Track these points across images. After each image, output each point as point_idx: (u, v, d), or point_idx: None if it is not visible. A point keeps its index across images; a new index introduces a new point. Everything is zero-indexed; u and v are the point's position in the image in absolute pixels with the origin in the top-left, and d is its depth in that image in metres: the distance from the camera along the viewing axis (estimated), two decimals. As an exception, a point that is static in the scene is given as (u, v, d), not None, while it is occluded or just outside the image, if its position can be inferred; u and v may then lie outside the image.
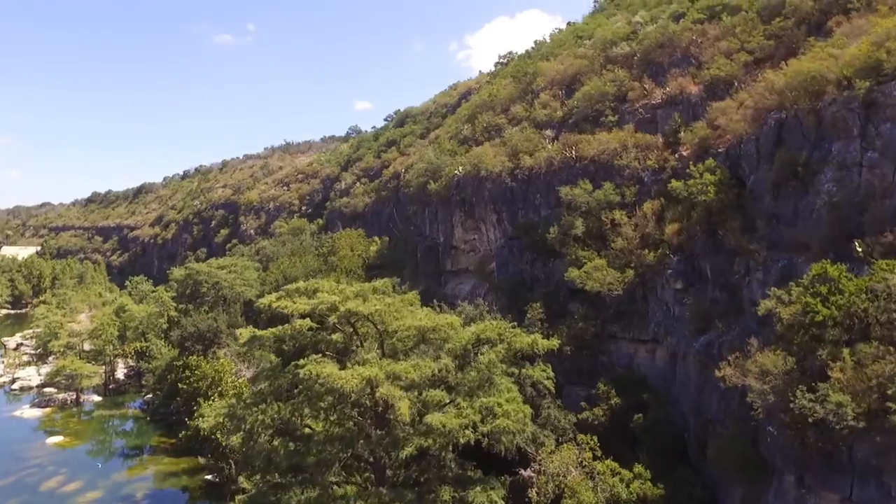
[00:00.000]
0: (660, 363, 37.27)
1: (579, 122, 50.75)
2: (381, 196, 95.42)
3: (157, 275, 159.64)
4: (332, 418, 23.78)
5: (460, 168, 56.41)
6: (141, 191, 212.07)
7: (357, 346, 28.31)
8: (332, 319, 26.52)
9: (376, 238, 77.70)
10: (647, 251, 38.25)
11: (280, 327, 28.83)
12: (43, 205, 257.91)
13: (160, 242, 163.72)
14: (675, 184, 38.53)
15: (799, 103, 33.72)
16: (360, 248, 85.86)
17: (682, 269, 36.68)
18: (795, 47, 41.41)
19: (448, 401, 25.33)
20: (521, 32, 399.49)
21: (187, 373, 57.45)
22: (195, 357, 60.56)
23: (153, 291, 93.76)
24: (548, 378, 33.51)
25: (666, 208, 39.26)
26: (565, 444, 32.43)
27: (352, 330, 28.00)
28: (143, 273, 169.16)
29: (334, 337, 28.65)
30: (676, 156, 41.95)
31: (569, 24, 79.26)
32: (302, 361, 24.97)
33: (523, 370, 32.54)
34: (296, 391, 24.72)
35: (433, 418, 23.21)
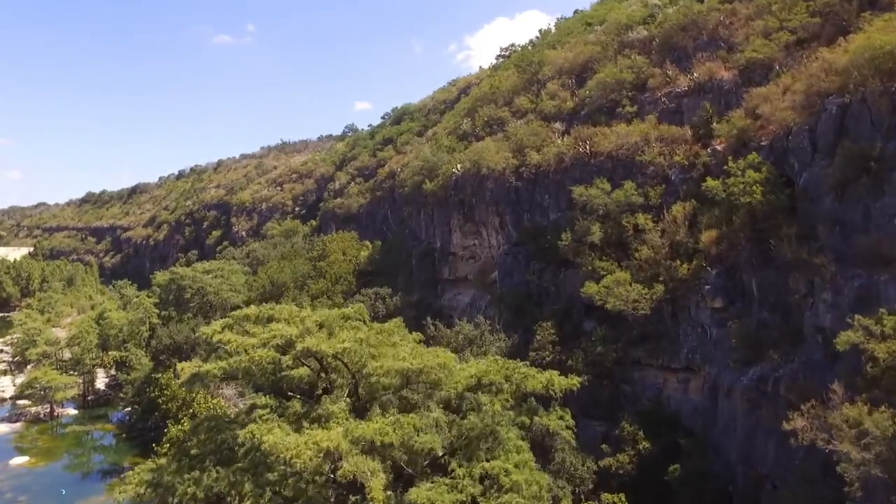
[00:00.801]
0: (695, 397, 30.88)
1: (593, 114, 44.43)
2: (375, 196, 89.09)
3: (149, 276, 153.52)
4: (284, 493, 17.48)
5: (459, 166, 50.14)
6: (135, 191, 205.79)
7: (326, 386, 22.09)
8: (287, 361, 20.30)
9: (367, 243, 71.34)
10: (678, 262, 31.91)
11: (232, 360, 22.55)
12: (38, 205, 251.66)
13: (152, 244, 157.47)
14: (710, 183, 32.22)
15: (867, 85, 27.41)
16: (352, 251, 79.64)
17: (722, 284, 30.37)
18: (846, 24, 35.12)
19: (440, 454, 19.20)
20: (520, 33, 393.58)
21: (156, 391, 51.43)
22: (166, 375, 54.28)
23: (136, 297, 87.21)
24: (566, 427, 27.01)
25: (699, 212, 32.93)
26: None
27: (319, 366, 21.77)
28: (136, 274, 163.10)
29: (298, 373, 22.43)
30: (709, 150, 35.60)
31: (576, 11, 72.88)
32: (249, 420, 18.73)
33: (536, 418, 26.10)
34: (240, 454, 18.48)
35: (418, 494, 16.98)
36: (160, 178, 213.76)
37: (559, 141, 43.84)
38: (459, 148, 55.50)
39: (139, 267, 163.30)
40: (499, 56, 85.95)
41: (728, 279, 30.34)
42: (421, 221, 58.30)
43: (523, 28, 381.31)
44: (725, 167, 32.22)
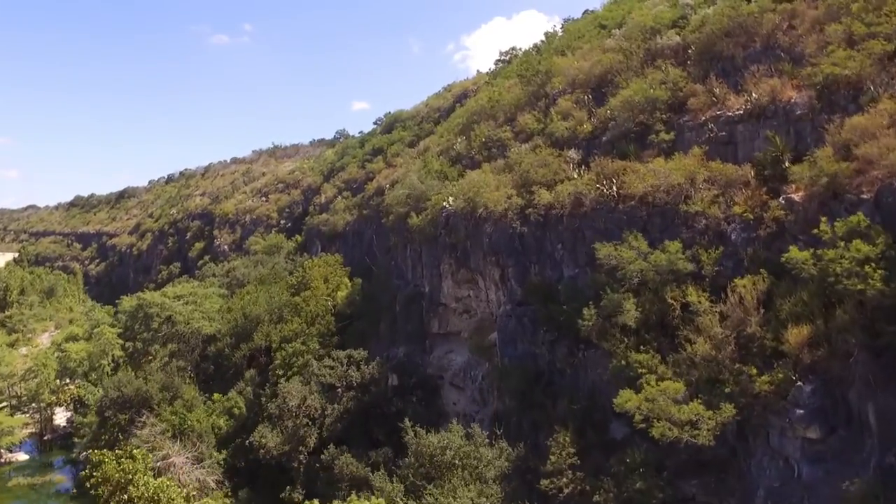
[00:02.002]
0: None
1: (617, 141, 34.68)
2: (362, 215, 79.34)
3: (132, 287, 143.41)
4: None
5: (451, 199, 40.41)
6: (123, 195, 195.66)
7: None
8: None
9: (347, 281, 61.57)
10: (751, 368, 22.31)
11: None
12: (27, 208, 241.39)
13: (135, 253, 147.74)
14: (794, 254, 22.63)
15: None
16: (335, 278, 70.05)
17: (819, 405, 20.81)
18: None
19: None
20: (518, 33, 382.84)
21: (86, 470, 41.96)
22: (99, 452, 44.65)
23: (97, 328, 77.49)
24: None
25: (777, 291, 23.38)
26: None
27: None
28: (119, 285, 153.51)
29: None
30: (781, 200, 26.00)
31: (585, 12, 62.94)
32: None
33: None
34: None
35: None
36: (150, 182, 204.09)
37: (575, 175, 34.11)
38: (452, 173, 45.74)
39: (123, 276, 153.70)
40: (498, 61, 76.04)
41: (828, 398, 20.79)
42: (407, 258, 48.60)
43: (522, 28, 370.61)
44: (815, 231, 22.66)
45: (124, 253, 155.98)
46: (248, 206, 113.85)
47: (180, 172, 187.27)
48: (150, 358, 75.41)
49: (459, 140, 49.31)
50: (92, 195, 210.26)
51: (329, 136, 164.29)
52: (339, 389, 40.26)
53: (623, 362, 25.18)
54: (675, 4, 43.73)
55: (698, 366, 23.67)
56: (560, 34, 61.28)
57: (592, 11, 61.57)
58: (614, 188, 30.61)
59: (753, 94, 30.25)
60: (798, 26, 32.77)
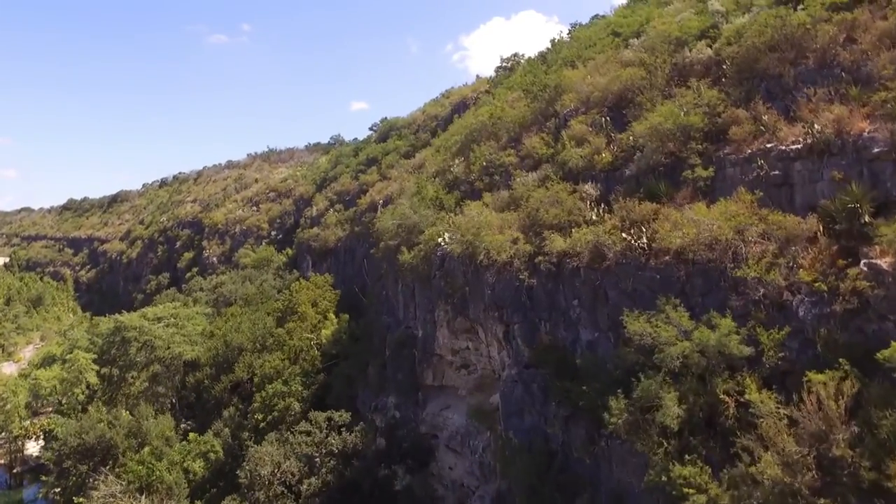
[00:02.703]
0: None
1: (643, 176, 28.89)
2: (354, 231, 73.70)
3: (122, 296, 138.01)
4: None
5: (446, 236, 34.63)
6: (116, 199, 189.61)
7: None
8: None
9: (333, 318, 55.86)
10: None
11: None
12: (21, 210, 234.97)
13: (125, 261, 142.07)
14: (891, 353, 16.98)
15: None
16: (323, 303, 64.46)
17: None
18: None
19: None
20: (517, 33, 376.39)
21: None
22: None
23: (70, 353, 71.65)
24: None
25: (871, 397, 17.71)
26: None
27: None
28: (110, 293, 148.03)
29: None
30: (863, 267, 20.32)
31: (595, 17, 56.94)
32: None
33: None
34: None
35: None
36: (144, 185, 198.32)
37: (594, 217, 28.32)
38: (448, 201, 39.90)
39: (113, 284, 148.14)
40: (499, 68, 70.14)
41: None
42: (399, 294, 42.81)
43: (521, 28, 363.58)
44: (921, 318, 17.00)
45: (115, 260, 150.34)
46: (239, 216, 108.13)
47: (174, 176, 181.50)
48: (128, 385, 69.97)
49: (457, 162, 43.44)
50: (85, 199, 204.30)
51: (327, 136, 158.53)
52: (318, 459, 34.60)
53: (663, 477, 19.46)
54: (702, 11, 37.93)
55: (764, 489, 17.96)
56: (568, 41, 55.43)
57: (603, 17, 55.65)
58: (644, 239, 24.83)
59: (815, 125, 24.47)
60: (861, 40, 26.96)
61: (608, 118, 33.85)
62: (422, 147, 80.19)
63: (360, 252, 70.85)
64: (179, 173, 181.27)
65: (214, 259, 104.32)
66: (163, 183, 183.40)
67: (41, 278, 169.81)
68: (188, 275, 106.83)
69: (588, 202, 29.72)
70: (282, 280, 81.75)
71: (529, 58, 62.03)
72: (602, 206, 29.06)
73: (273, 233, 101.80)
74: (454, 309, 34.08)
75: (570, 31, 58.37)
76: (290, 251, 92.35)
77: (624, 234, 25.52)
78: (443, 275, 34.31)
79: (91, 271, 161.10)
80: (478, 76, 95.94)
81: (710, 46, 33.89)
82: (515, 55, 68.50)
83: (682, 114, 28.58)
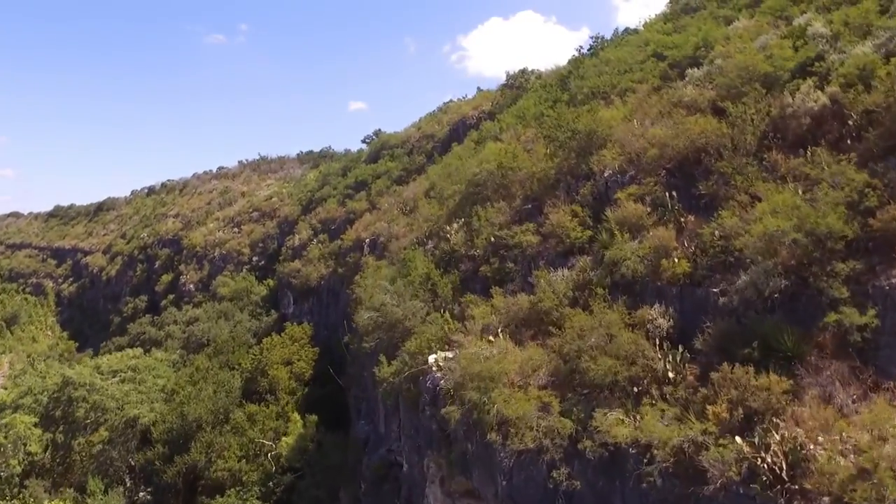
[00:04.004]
0: None
1: (750, 309, 17.92)
2: (338, 273, 62.83)
3: (102, 314, 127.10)
4: None
5: (442, 357, 23.64)
6: (102, 207, 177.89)
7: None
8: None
9: (298, 419, 44.88)
10: None
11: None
12: (9, 215, 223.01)
13: (105, 278, 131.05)
14: None
15: None
16: (300, 364, 53.68)
17: None
18: None
19: None
20: (515, 34, 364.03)
21: None
22: None
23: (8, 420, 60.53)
24: None
25: None
26: None
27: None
28: (90, 311, 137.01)
29: None
30: None
31: (627, 32, 45.40)
32: None
33: None
34: None
35: None
36: (132, 192, 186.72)
37: (669, 373, 17.31)
38: (443, 287, 28.82)
39: (94, 301, 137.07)
40: (504, 87, 58.77)
41: None
42: (379, 403, 31.83)
43: (518, 29, 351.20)
44: None
45: (96, 275, 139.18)
46: (219, 239, 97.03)
47: (162, 184, 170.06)
48: (75, 453, 59.12)
49: (455, 228, 32.26)
50: (72, 206, 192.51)
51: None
52: None
53: None
54: (793, 35, 26.71)
55: None
56: (591, 58, 44.03)
57: (634, 31, 44.22)
58: (779, 457, 13.78)
59: None
60: None
61: (675, 195, 22.72)
62: (416, 171, 69.28)
63: (343, 297, 59.93)
64: (168, 180, 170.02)
65: (191, 286, 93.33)
66: (150, 191, 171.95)
67: (22, 290, 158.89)
68: (164, 302, 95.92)
69: (656, 340, 18.68)
70: (258, 322, 70.87)
71: (543, 78, 50.84)
72: (682, 352, 18.01)
73: (254, 258, 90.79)
74: (451, 464, 23.07)
75: (592, 46, 47.03)
76: (270, 282, 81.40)
77: (739, 441, 14.46)
78: (435, 413, 23.30)
79: (73, 285, 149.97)
80: (478, 88, 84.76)
81: (821, 87, 22.84)
82: (524, 72, 57.10)
83: (818, 215, 17.45)
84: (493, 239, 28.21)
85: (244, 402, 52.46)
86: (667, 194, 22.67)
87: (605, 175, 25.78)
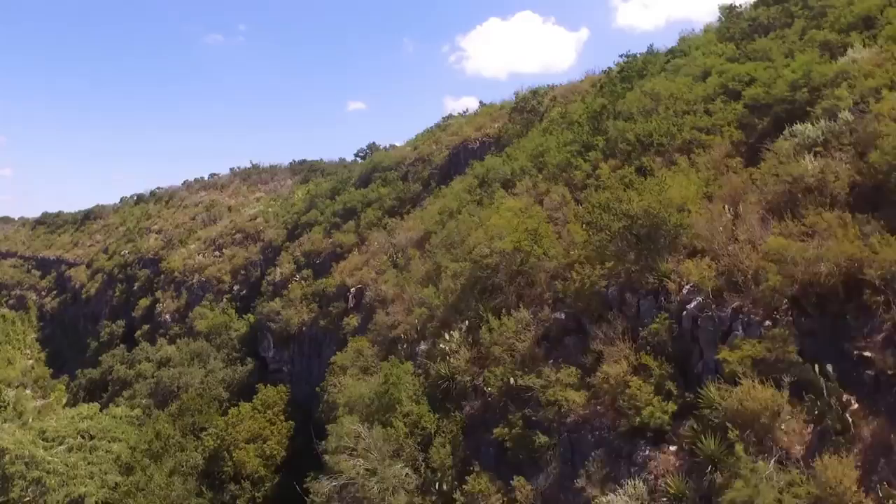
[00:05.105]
0: None
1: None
2: (320, 325, 53.40)
3: (81, 334, 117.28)
4: None
5: None
6: (89, 216, 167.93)
7: None
8: None
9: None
10: None
11: None
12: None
13: (85, 296, 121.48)
14: None
15: None
16: (270, 444, 44.35)
17: None
18: None
19: None
20: (514, 34, 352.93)
21: None
22: None
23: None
24: None
25: None
26: None
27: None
28: (70, 329, 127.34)
29: None
30: None
31: (673, 53, 35.48)
32: None
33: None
34: None
35: None
36: (121, 199, 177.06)
37: None
38: (438, 448, 19.39)
39: (74, 319, 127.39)
40: (514, 111, 48.79)
41: None
42: None
43: (517, 29, 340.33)
44: None
45: (77, 290, 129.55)
46: (199, 263, 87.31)
47: (151, 192, 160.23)
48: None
49: (456, 338, 22.60)
50: (59, 213, 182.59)
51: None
52: None
53: None
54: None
55: None
56: (622, 86, 34.19)
57: (681, 54, 34.17)
58: None
59: None
60: None
61: (827, 366, 13.09)
62: (410, 202, 59.78)
63: (326, 352, 50.60)
64: (158, 188, 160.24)
65: (168, 316, 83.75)
66: (139, 199, 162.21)
67: (5, 303, 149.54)
68: (138, 333, 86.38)
69: None
70: (233, 372, 61.34)
71: (560, 102, 41.13)
72: None
73: (236, 286, 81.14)
74: None
75: (622, 69, 37.23)
76: (251, 318, 71.79)
77: None
78: None
79: (56, 299, 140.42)
80: (481, 102, 74.83)
81: None
82: (536, 94, 47.08)
83: None
84: (511, 381, 18.59)
85: (203, 489, 43.18)
86: (813, 367, 13.02)
87: (691, 307, 16.08)
